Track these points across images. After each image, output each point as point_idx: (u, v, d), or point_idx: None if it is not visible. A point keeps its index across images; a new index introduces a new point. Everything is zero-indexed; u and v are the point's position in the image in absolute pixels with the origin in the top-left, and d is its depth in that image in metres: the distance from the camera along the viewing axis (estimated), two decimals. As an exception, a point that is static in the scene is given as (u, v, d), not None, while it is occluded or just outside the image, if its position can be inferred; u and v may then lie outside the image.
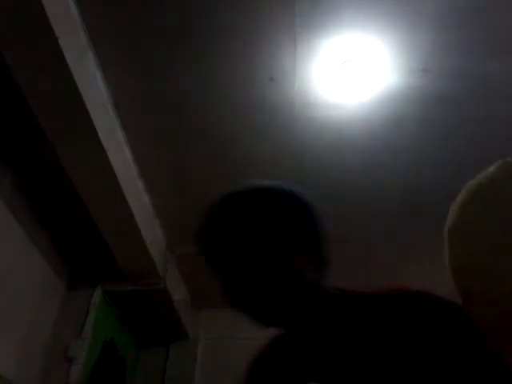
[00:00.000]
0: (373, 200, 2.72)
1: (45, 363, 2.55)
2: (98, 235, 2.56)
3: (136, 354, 3.44)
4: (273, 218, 0.82)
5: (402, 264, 2.99)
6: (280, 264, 0.77)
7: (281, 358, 0.90)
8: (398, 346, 0.74)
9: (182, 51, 1.98)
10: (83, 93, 1.83)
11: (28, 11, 1.56)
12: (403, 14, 1.85)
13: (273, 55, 1.99)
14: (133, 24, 1.89)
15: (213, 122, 2.29)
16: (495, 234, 0.60)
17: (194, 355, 3.50)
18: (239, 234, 0.81)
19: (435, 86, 2.11)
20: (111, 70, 2.04)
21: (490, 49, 1.96)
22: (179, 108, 2.23)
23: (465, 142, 2.36)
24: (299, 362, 0.88)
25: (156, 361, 3.45)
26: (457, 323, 0.73)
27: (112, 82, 2.08)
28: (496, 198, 0.63)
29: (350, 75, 2.07)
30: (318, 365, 0.84)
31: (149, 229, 2.70)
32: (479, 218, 0.64)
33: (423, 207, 2.77)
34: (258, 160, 2.50)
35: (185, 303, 3.49)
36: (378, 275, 2.70)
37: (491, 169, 0.66)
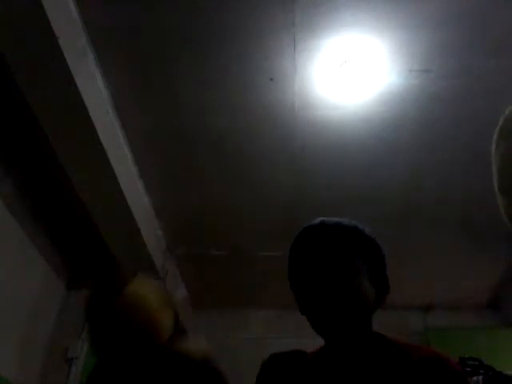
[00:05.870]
0: (373, 200, 2.72)
1: (45, 363, 2.55)
2: (98, 235, 2.56)
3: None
4: (363, 255, 0.96)
5: (401, 264, 2.99)
6: (359, 294, 0.92)
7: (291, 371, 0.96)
8: None
9: (182, 51, 1.98)
10: (83, 93, 1.83)
11: (28, 11, 1.56)
12: (403, 14, 1.85)
13: (273, 55, 1.99)
14: (133, 24, 1.89)
15: (213, 121, 2.29)
16: None
17: (194, 355, 3.50)
18: (335, 259, 0.94)
19: (435, 86, 2.11)
20: (111, 70, 2.04)
21: (490, 49, 1.96)
22: (179, 108, 2.23)
23: (465, 141, 2.36)
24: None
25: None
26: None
27: (112, 81, 2.08)
28: None
29: (349, 75, 2.07)
30: None
31: (149, 229, 2.70)
32: None
33: (423, 207, 2.77)
34: (258, 160, 2.50)
35: (185, 303, 3.49)
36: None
37: None
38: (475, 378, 1.74)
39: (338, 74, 2.06)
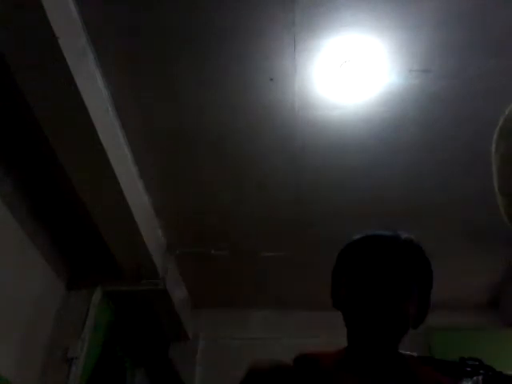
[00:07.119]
0: (373, 200, 2.72)
1: (44, 363, 2.55)
2: (98, 235, 2.56)
3: (136, 354, 3.44)
4: (420, 279, 0.98)
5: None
6: (402, 317, 0.92)
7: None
8: None
9: (182, 51, 1.98)
10: (83, 93, 1.83)
11: (28, 11, 1.56)
12: (403, 14, 1.85)
13: (273, 55, 1.99)
14: (133, 24, 1.89)
15: (213, 122, 2.29)
16: None
17: (194, 355, 3.50)
18: (394, 277, 0.94)
19: (435, 86, 2.11)
20: (111, 70, 2.04)
21: (490, 49, 1.96)
22: (179, 108, 2.23)
23: (465, 141, 2.36)
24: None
25: (156, 361, 3.45)
26: None
27: (112, 81, 2.08)
28: None
29: (349, 75, 2.07)
30: None
31: (149, 229, 2.70)
32: None
33: (423, 207, 2.77)
34: (258, 160, 2.50)
35: (185, 303, 3.49)
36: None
37: None
38: (475, 377, 1.74)
39: (338, 73, 2.06)
